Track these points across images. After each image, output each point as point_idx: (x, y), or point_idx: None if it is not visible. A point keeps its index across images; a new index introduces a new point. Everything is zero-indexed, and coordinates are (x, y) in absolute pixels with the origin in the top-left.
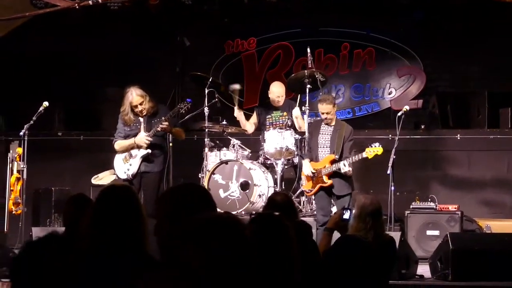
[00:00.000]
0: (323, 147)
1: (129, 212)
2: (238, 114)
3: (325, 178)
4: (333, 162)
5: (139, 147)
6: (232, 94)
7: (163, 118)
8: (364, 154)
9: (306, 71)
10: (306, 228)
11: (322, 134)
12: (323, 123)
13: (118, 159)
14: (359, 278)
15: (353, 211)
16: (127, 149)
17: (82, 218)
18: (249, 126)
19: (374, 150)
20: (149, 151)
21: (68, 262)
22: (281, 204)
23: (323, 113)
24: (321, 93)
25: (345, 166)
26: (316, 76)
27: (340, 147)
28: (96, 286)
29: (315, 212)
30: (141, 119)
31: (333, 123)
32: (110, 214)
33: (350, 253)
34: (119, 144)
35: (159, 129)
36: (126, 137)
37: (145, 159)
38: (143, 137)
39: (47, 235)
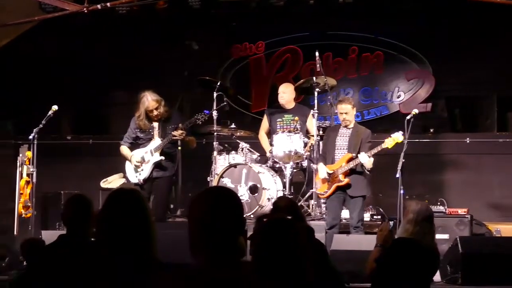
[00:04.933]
0: (340, 148)
1: (136, 215)
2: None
3: (341, 177)
4: (349, 160)
5: (152, 152)
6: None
7: (180, 125)
8: (384, 145)
9: (314, 77)
10: (308, 232)
11: (340, 136)
12: (341, 127)
13: (129, 163)
14: (411, 280)
15: (407, 216)
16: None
17: (80, 218)
18: (267, 143)
19: (394, 139)
20: (163, 158)
21: (76, 263)
22: (286, 209)
23: (341, 113)
24: (329, 97)
25: (364, 157)
26: (325, 80)
27: (357, 146)
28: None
29: (324, 216)
30: (155, 125)
31: (351, 126)
32: (117, 218)
33: (408, 256)
34: (123, 150)
35: (174, 137)
36: (136, 139)
37: (157, 165)
38: (134, 161)
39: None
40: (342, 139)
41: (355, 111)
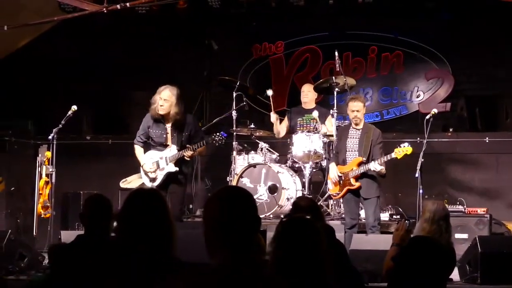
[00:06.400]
0: (351, 150)
1: (155, 215)
2: (275, 119)
3: (352, 181)
4: (360, 164)
5: (167, 160)
6: (269, 100)
7: (188, 146)
8: (393, 155)
9: (334, 77)
10: (329, 231)
11: (350, 138)
12: (351, 127)
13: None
14: (427, 279)
15: (423, 215)
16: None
17: (98, 218)
18: (281, 130)
19: (403, 150)
20: (177, 169)
21: (93, 263)
22: (306, 208)
23: (353, 111)
24: (349, 96)
25: (376, 166)
26: (345, 80)
27: (367, 149)
28: (122, 286)
29: (343, 215)
30: (168, 127)
31: (361, 126)
32: (136, 218)
33: (425, 254)
34: (137, 153)
35: (186, 157)
36: (148, 138)
37: (170, 174)
38: (148, 169)
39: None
40: (352, 141)
41: (365, 110)
